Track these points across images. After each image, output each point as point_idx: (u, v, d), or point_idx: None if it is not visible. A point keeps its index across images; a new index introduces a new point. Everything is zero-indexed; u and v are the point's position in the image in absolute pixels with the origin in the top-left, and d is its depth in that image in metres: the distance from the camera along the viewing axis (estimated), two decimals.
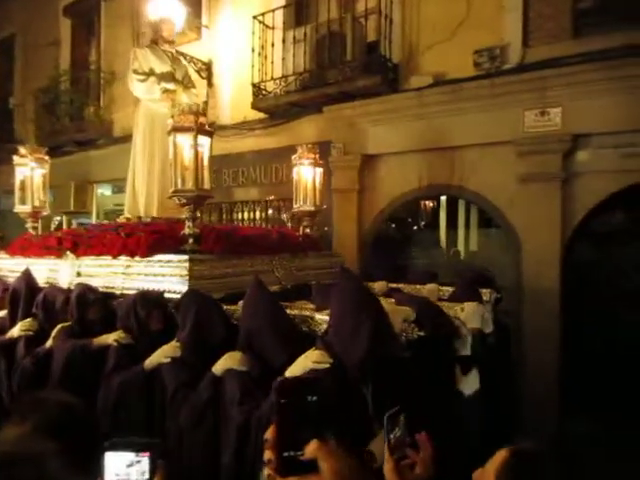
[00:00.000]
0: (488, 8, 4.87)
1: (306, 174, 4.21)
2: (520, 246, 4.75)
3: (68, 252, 3.58)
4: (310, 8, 5.99)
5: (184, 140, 3.06)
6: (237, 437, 1.94)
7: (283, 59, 5.93)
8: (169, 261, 3.01)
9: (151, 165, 4.18)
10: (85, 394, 2.52)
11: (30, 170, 4.29)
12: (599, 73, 4.24)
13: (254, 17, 6.12)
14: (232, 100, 6.90)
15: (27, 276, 3.45)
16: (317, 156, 4.25)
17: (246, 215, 6.95)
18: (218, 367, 2.19)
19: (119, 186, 8.90)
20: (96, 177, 8.69)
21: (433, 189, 5.52)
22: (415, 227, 7.06)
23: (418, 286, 3.66)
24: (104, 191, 9.12)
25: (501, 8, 4.80)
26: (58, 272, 3.62)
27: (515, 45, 4.72)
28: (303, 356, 2.00)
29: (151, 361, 2.45)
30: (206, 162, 3.12)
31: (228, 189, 6.93)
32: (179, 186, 3.05)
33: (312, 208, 4.21)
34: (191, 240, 3.07)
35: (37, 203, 4.31)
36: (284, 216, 4.52)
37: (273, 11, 6.06)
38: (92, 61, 9.01)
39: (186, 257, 2.94)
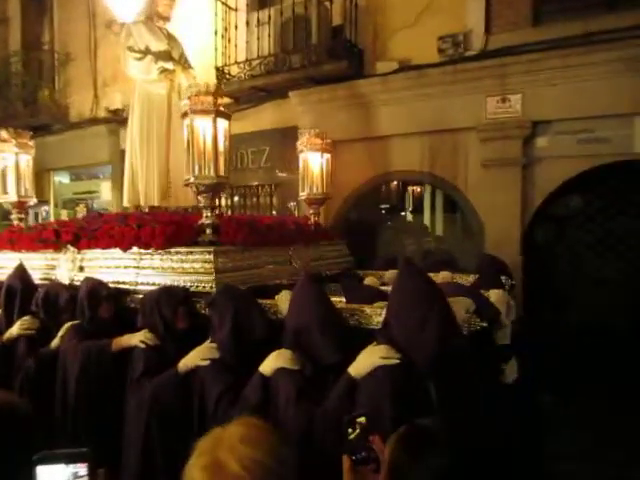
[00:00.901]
0: None
1: (313, 160, 4.04)
2: (483, 229, 4.88)
3: (69, 245, 3.31)
4: None
5: (201, 123, 2.83)
6: (299, 438, 1.80)
7: (247, 42, 5.82)
8: (190, 253, 2.79)
9: (149, 150, 3.93)
10: (105, 400, 2.44)
11: (14, 156, 4.02)
12: (557, 61, 4.36)
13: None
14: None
15: (21, 272, 3.20)
16: (325, 141, 4.07)
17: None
18: (267, 367, 2.03)
19: (77, 173, 8.61)
20: (53, 164, 8.35)
21: (399, 175, 5.58)
22: (381, 212, 7.13)
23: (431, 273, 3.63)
24: (62, 179, 8.79)
25: None
26: (57, 267, 3.36)
27: (477, 32, 4.79)
28: (367, 352, 1.86)
29: (186, 364, 2.25)
30: (223, 147, 2.91)
31: None
32: (196, 173, 2.84)
33: (321, 195, 4.07)
34: (209, 230, 2.88)
35: (23, 192, 4.06)
36: (291, 204, 4.40)
37: None
38: (45, 41, 8.58)
39: (211, 248, 2.74)
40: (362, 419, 1.33)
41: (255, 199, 6.36)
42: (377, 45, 5.36)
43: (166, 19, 4.11)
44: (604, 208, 4.70)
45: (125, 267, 3.02)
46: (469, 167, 4.94)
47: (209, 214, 2.90)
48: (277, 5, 5.64)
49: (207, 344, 2.28)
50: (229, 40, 5.94)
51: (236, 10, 5.94)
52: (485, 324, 2.15)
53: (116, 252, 3.08)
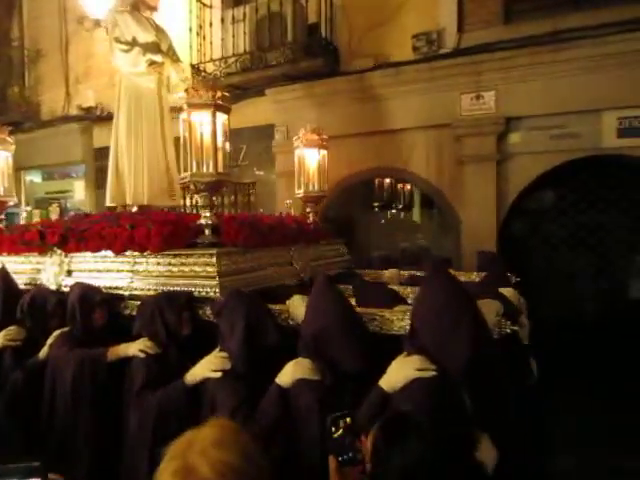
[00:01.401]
0: None
1: (309, 156, 3.91)
2: (459, 224, 4.95)
3: (55, 248, 3.08)
4: None
5: (199, 118, 2.67)
6: (324, 453, 1.68)
7: (222, 40, 5.77)
8: (189, 255, 2.61)
9: (137, 146, 3.69)
10: (99, 414, 2.29)
11: None
12: (528, 58, 4.45)
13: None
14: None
15: (4, 276, 2.96)
16: (322, 137, 3.92)
17: (187, 201, 6.77)
18: (285, 378, 1.88)
19: (50, 172, 8.42)
20: (24, 163, 8.13)
21: (377, 171, 5.62)
22: (359, 209, 7.18)
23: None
24: (33, 178, 8.60)
25: None
26: (42, 271, 3.14)
27: (451, 30, 4.85)
28: (399, 363, 1.72)
29: (195, 375, 2.09)
30: (222, 143, 2.76)
31: None
32: (193, 170, 2.67)
33: (318, 193, 3.93)
34: (208, 231, 2.70)
35: (2, 191, 3.84)
36: (287, 202, 4.26)
37: None
38: (14, 37, 8.37)
39: (213, 250, 2.56)
40: (348, 419, 1.33)
41: (233, 197, 6.31)
42: (352, 43, 5.38)
43: (153, 9, 3.87)
44: (576, 202, 4.83)
45: (118, 271, 2.83)
46: (445, 163, 5.00)
47: (208, 214, 2.72)
48: (252, 2, 5.61)
49: (216, 353, 2.11)
50: (204, 37, 5.89)
51: (211, 7, 5.89)
52: (516, 327, 2.06)
53: (107, 255, 2.89)
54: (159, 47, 3.73)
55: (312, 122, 5.51)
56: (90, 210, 7.42)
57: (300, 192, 3.96)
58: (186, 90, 2.72)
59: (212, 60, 5.82)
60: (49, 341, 2.56)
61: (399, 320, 2.04)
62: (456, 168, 4.92)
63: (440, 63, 4.84)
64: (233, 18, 5.69)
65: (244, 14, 5.58)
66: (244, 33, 5.57)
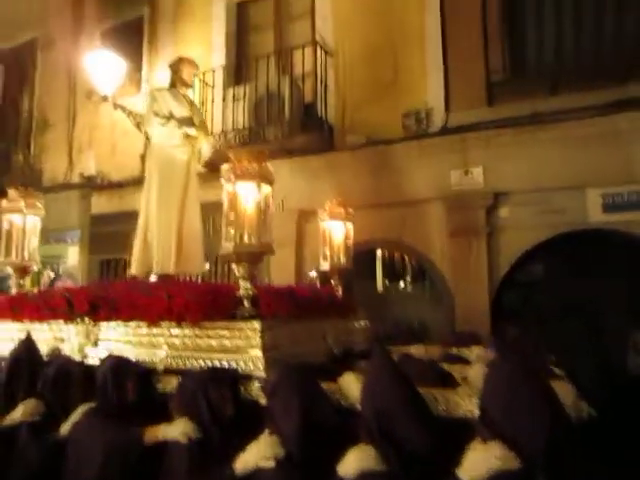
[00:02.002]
0: (413, 76, 5.31)
1: (335, 229, 3.93)
2: (452, 296, 4.95)
3: (83, 316, 2.89)
4: (249, 69, 6.24)
5: (244, 189, 2.65)
6: None
7: (223, 115, 6.06)
8: (230, 328, 2.48)
9: (168, 215, 3.76)
10: None
11: (22, 217, 3.77)
12: (512, 137, 4.68)
13: (194, 75, 6.27)
14: None
15: (29, 345, 2.77)
16: (347, 209, 3.97)
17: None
18: (348, 469, 1.69)
19: (45, 237, 8.47)
20: None
21: (370, 244, 5.69)
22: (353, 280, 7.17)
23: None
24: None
25: (424, 76, 5.25)
26: (65, 340, 2.96)
27: (438, 110, 5.14)
28: (477, 452, 1.57)
29: (245, 464, 1.87)
30: (265, 213, 2.70)
31: None
32: (236, 241, 2.58)
33: (343, 265, 3.89)
34: (247, 302, 2.58)
35: (27, 256, 3.80)
36: (311, 274, 4.19)
37: (213, 71, 6.25)
38: (24, 109, 8.77)
39: (257, 323, 2.44)
40: None
41: (226, 267, 6.33)
42: (345, 120, 5.66)
43: (188, 86, 4.14)
44: (565, 275, 4.86)
45: (153, 344, 2.65)
46: (436, 236, 5.09)
47: (247, 285, 2.59)
48: (252, 82, 5.95)
49: (267, 438, 1.89)
50: (205, 112, 6.18)
51: (213, 87, 6.24)
52: (594, 413, 1.88)
53: (140, 325, 2.72)
54: (193, 121, 3.95)
55: (306, 194, 5.70)
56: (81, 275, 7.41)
57: (326, 264, 3.91)
58: (231, 160, 2.68)
59: (212, 134, 6.07)
60: (73, 417, 2.30)
61: (464, 402, 1.89)
62: (447, 241, 5.00)
63: (429, 141, 5.08)
64: (234, 96, 6.01)
65: (244, 93, 5.91)
66: (243, 110, 5.87)
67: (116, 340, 2.80)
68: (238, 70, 6.48)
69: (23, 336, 2.86)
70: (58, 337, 3.00)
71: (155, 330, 2.67)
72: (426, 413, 1.85)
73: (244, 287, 2.59)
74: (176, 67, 4.03)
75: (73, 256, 7.65)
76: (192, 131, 3.85)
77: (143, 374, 2.47)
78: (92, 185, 7.44)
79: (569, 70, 4.61)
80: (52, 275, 7.05)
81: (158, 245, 3.72)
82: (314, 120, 5.61)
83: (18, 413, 2.42)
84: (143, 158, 7.10)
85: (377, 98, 5.45)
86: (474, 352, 3.15)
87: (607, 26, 4.54)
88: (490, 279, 4.81)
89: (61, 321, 3.01)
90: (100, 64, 6.50)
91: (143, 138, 7.09)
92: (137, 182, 7.03)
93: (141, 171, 7.08)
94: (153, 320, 2.66)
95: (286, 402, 1.95)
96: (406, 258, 6.35)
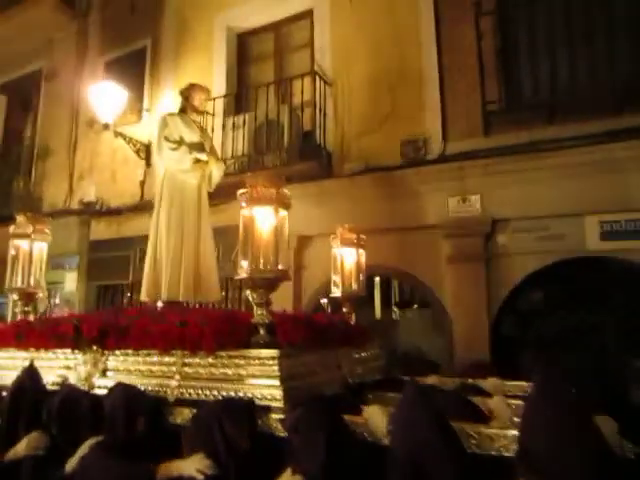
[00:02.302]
0: (411, 105, 5.40)
1: (347, 255, 3.89)
2: (451, 323, 4.91)
3: (91, 344, 2.79)
4: (249, 98, 6.34)
5: (261, 213, 2.61)
6: None
7: (222, 143, 6.13)
8: (246, 357, 2.38)
9: (178, 241, 3.68)
10: None
11: (29, 243, 3.75)
12: (510, 165, 4.72)
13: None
14: None
15: (32, 374, 2.68)
16: (360, 236, 3.94)
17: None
18: None
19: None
20: None
21: (367, 269, 5.66)
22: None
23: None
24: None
25: (422, 106, 5.34)
26: (72, 369, 2.86)
27: (436, 138, 5.20)
28: None
29: None
30: (281, 238, 2.68)
31: None
32: (252, 266, 2.51)
33: (355, 292, 3.85)
34: (263, 330, 2.49)
35: (33, 282, 3.77)
36: (324, 301, 4.13)
37: (214, 99, 6.34)
38: (26, 136, 8.88)
39: (275, 352, 2.33)
40: None
41: (223, 292, 6.30)
42: (344, 148, 5.73)
43: (200, 112, 4.15)
44: (565, 302, 4.83)
45: (164, 373, 2.56)
46: (434, 262, 5.08)
47: (263, 312, 2.51)
48: (252, 111, 6.05)
49: (290, 476, 1.81)
50: None
51: (213, 115, 6.33)
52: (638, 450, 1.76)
53: (151, 354, 2.63)
54: (203, 146, 3.95)
55: (305, 220, 5.72)
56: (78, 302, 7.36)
57: (337, 291, 3.86)
58: (249, 185, 2.66)
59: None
60: (80, 451, 2.19)
61: (500, 438, 1.77)
62: (446, 267, 5.00)
63: (427, 168, 5.13)
64: (233, 125, 6.10)
65: (244, 121, 5.99)
66: (243, 138, 5.94)
67: (125, 369, 2.71)
68: (238, 99, 6.60)
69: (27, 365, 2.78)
70: (64, 366, 2.90)
71: (167, 359, 2.58)
72: (462, 452, 1.76)
73: (260, 314, 2.51)
74: (187, 93, 4.02)
75: (71, 282, 7.61)
76: (203, 156, 3.84)
77: (154, 405, 2.37)
78: (91, 211, 7.48)
79: (564, 101, 4.69)
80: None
81: (167, 271, 3.64)
82: (313, 148, 5.68)
83: (22, 447, 2.31)
84: (143, 185, 7.16)
85: (375, 127, 5.53)
86: (490, 383, 3.07)
87: (600, 58, 4.64)
88: (489, 305, 4.79)
89: (68, 349, 2.92)
90: (102, 94, 6.64)
91: (143, 165, 7.19)
92: (136, 208, 7.08)
93: (140, 197, 7.14)
94: (165, 348, 2.57)
95: (310, 438, 1.85)
96: (404, 284, 6.34)
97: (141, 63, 7.51)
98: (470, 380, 3.13)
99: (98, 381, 2.74)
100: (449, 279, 4.96)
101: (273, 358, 2.32)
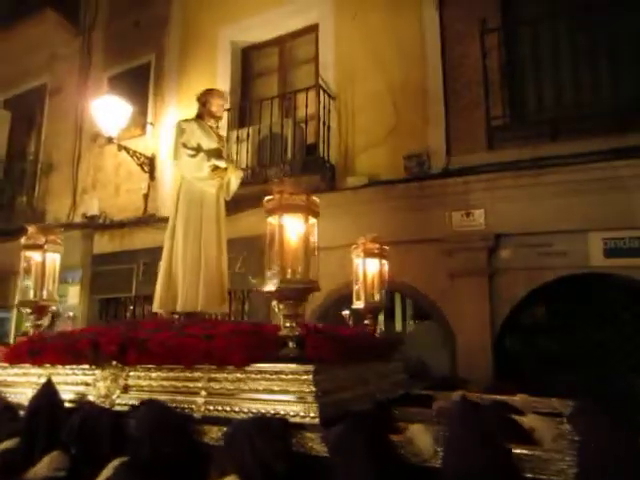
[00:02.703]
0: (414, 120, 5.43)
1: (370, 266, 3.79)
2: (454, 337, 4.88)
3: (111, 359, 2.65)
4: (253, 111, 6.38)
5: (289, 221, 2.50)
6: None
7: (227, 156, 6.15)
8: (277, 372, 2.22)
9: (196, 251, 3.54)
10: None
11: (41, 254, 3.60)
12: (513, 180, 4.74)
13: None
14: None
15: (49, 391, 2.54)
16: (382, 247, 3.85)
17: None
18: None
19: None
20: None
21: None
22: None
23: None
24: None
25: (426, 121, 5.36)
26: (90, 386, 2.72)
27: (439, 153, 5.22)
28: None
29: None
30: (313, 248, 2.56)
31: None
32: (281, 277, 2.39)
33: (378, 304, 3.76)
34: (292, 344, 2.36)
35: (45, 295, 3.61)
36: (346, 312, 4.02)
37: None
38: (30, 152, 8.92)
39: (309, 366, 2.20)
40: None
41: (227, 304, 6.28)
42: (347, 162, 5.75)
43: (218, 118, 3.97)
44: (568, 318, 4.81)
45: (188, 389, 2.41)
46: (437, 276, 5.07)
47: (293, 324, 2.38)
48: (256, 125, 6.08)
49: None
50: None
51: (217, 128, 6.35)
52: None
53: (175, 369, 2.48)
54: (221, 153, 3.83)
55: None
56: (81, 315, 7.33)
57: (360, 303, 3.76)
58: (277, 191, 2.54)
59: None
60: (104, 473, 2.06)
61: (556, 462, 1.63)
62: (449, 282, 4.98)
63: (430, 182, 5.14)
64: (237, 138, 6.13)
65: (248, 135, 6.02)
66: (247, 151, 5.97)
67: (148, 385, 2.55)
68: (242, 112, 6.64)
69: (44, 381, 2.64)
70: (82, 382, 2.76)
71: (192, 374, 2.43)
72: (518, 477, 1.66)
73: (288, 327, 2.38)
74: (204, 99, 3.87)
75: (74, 295, 7.60)
76: (222, 163, 3.70)
77: (181, 423, 2.23)
78: (94, 225, 7.49)
79: (568, 118, 4.70)
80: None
81: (185, 281, 3.49)
82: (316, 161, 5.70)
83: (42, 467, 2.17)
84: (146, 198, 7.18)
85: (379, 141, 5.55)
86: (520, 399, 2.95)
87: (604, 76, 4.68)
88: (492, 320, 4.77)
89: (86, 365, 2.77)
90: (106, 108, 6.69)
91: (147, 178, 7.21)
92: (139, 221, 7.09)
93: (144, 210, 7.15)
94: (189, 363, 2.43)
95: (355, 459, 1.75)
96: (407, 298, 6.31)
97: (145, 78, 7.57)
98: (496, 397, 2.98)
99: (119, 399, 2.58)
100: (452, 293, 4.94)
101: (307, 373, 2.18)
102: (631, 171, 4.33)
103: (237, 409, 2.24)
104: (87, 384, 2.74)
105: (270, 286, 2.42)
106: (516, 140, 4.83)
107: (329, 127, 5.81)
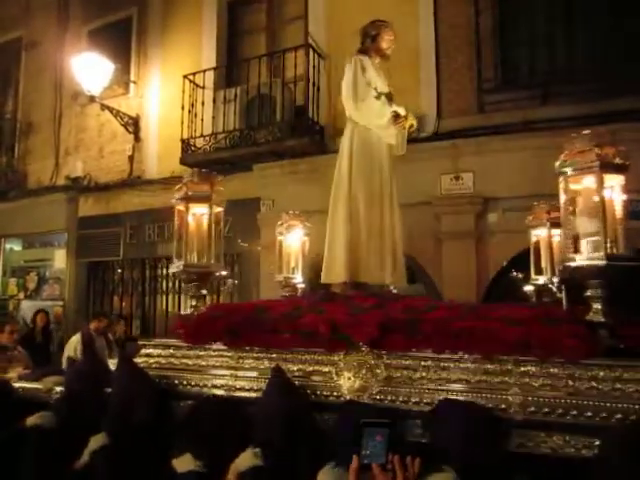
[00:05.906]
0: (406, 82, 5.31)
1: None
2: (441, 299, 4.97)
3: (362, 344, 2.07)
4: (240, 71, 6.21)
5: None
6: None
7: (213, 117, 6.02)
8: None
9: (371, 213, 3.02)
10: None
11: (208, 209, 2.73)
12: (502, 144, 4.74)
13: (184, 76, 6.22)
14: (159, 155, 6.84)
15: (284, 384, 2.05)
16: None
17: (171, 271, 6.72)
18: None
19: (31, 241, 8.34)
20: (5, 231, 8.09)
21: None
22: None
23: None
24: (13, 246, 8.48)
25: (417, 82, 5.27)
26: (334, 377, 2.12)
27: (430, 116, 5.17)
28: None
29: None
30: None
31: (152, 244, 6.72)
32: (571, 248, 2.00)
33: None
34: (603, 332, 1.95)
35: (211, 259, 2.81)
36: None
37: (204, 72, 6.20)
38: (8, 110, 8.61)
39: None
40: (386, 429, 1.35)
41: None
42: (337, 123, 5.66)
43: (386, 57, 3.30)
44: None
45: (501, 381, 1.87)
46: (426, 240, 5.11)
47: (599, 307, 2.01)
48: (243, 85, 5.93)
49: (449, 475, 1.48)
50: (195, 115, 6.14)
51: (203, 88, 6.19)
52: None
53: (467, 357, 1.93)
54: (393, 99, 3.22)
55: (296, 197, 5.69)
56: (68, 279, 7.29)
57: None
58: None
59: (202, 135, 6.03)
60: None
61: None
62: (436, 245, 5.03)
63: (420, 145, 5.09)
64: (224, 98, 5.98)
65: (235, 95, 5.88)
66: (234, 112, 5.84)
67: (421, 379, 1.99)
68: (229, 72, 6.46)
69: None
70: (308, 371, 2.18)
71: (492, 365, 1.90)
72: None
73: (594, 312, 2.00)
74: (376, 32, 3.19)
75: (60, 259, 7.54)
76: (402, 110, 3.11)
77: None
78: (79, 187, 7.35)
79: (560, 81, 4.67)
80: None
81: (367, 250, 2.99)
82: (305, 123, 5.61)
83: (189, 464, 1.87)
84: (132, 160, 7.04)
85: None
86: None
87: (597, 40, 4.62)
88: (479, 283, 4.85)
89: (317, 350, 2.19)
90: (86, 66, 6.44)
91: (132, 139, 7.04)
92: (125, 184, 6.97)
93: (129, 173, 7.02)
94: (487, 352, 1.91)
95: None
96: None
97: (127, 33, 7.28)
98: None
99: (379, 395, 2.03)
100: (439, 256, 5.00)
101: None
102: (621, 135, 4.32)
103: (576, 413, 1.73)
104: (323, 373, 2.16)
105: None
106: (506, 103, 4.80)
107: (319, 88, 5.69)
